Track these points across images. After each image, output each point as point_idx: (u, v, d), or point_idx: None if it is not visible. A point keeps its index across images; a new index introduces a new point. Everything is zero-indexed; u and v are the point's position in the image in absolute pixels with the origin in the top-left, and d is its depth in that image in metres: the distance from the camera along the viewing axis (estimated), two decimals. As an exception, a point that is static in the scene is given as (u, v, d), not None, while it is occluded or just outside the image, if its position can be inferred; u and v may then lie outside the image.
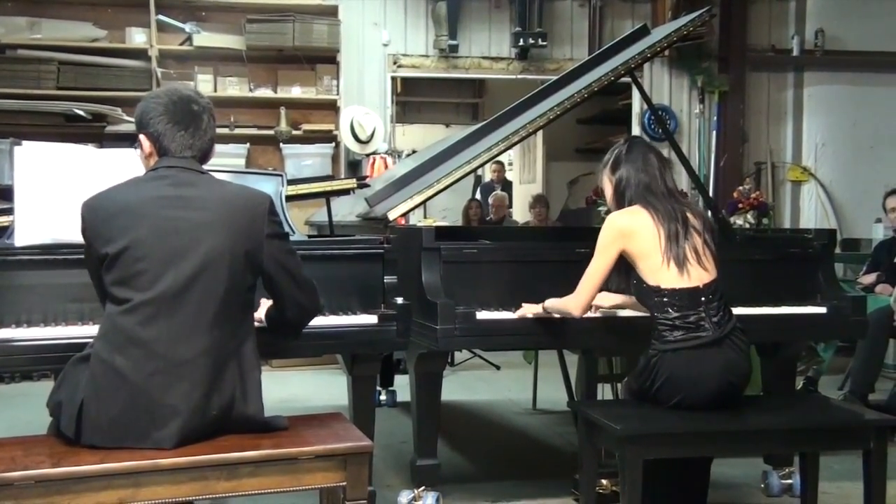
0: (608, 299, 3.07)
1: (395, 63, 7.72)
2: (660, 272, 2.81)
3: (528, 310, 3.08)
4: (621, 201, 2.95)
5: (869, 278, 5.52)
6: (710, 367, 2.75)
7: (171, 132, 2.31)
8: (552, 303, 3.02)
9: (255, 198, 2.35)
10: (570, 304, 2.95)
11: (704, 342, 2.75)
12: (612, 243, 2.87)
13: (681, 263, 2.79)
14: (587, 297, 2.92)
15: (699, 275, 2.81)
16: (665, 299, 2.79)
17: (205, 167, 2.40)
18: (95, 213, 2.25)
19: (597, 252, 2.90)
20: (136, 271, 2.19)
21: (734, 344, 2.79)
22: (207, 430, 2.22)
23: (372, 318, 2.92)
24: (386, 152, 7.33)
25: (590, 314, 3.07)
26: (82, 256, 2.38)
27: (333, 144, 7.25)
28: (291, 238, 3.19)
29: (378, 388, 5.11)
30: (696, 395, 2.75)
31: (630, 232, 2.85)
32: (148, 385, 2.15)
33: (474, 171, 3.81)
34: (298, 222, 3.84)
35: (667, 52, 7.26)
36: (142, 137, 2.35)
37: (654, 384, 2.79)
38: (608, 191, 3.05)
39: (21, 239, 2.66)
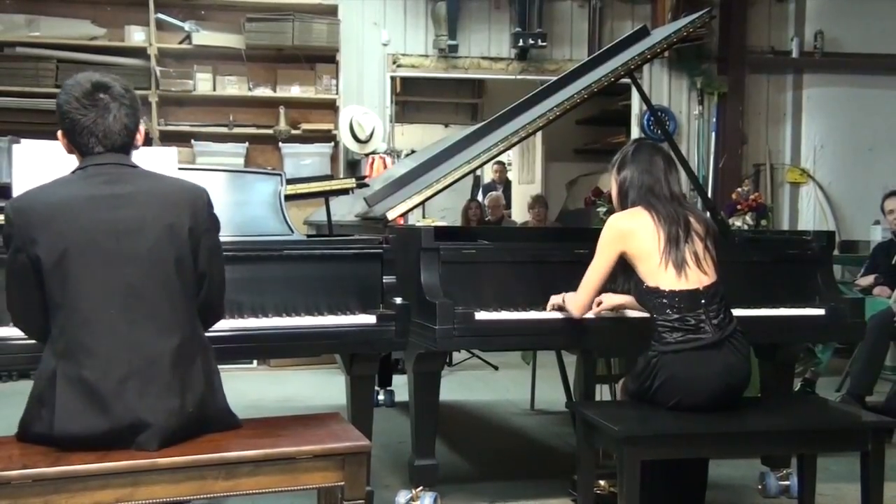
0: (611, 299, 3.07)
1: (394, 63, 7.71)
2: (658, 274, 2.81)
3: (552, 302, 3.11)
4: (624, 202, 2.96)
5: (867, 280, 5.52)
6: (709, 369, 2.75)
7: (77, 126, 2.22)
8: (566, 301, 3.04)
9: (194, 191, 2.30)
10: (570, 304, 2.98)
11: (704, 344, 2.76)
12: (611, 244, 2.88)
13: (679, 266, 2.80)
14: (586, 298, 2.94)
15: (698, 277, 2.81)
16: (664, 301, 2.80)
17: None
18: (25, 216, 2.14)
19: (596, 252, 2.91)
20: (83, 278, 2.13)
21: (734, 347, 2.79)
22: (186, 429, 2.20)
23: (370, 318, 2.93)
24: (385, 152, 7.32)
25: (589, 315, 3.07)
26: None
27: (332, 144, 7.25)
28: (291, 237, 3.22)
29: (376, 387, 5.10)
30: (694, 396, 2.76)
31: (629, 233, 2.86)
32: (122, 393, 2.11)
33: (473, 171, 3.81)
34: (297, 222, 3.84)
35: (666, 54, 7.26)
36: (59, 134, 2.28)
37: (654, 385, 2.79)
38: (613, 191, 3.06)
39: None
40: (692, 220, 2.88)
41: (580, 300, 2.95)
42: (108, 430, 2.11)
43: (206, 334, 2.34)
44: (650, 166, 2.93)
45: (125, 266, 2.16)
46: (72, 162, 2.31)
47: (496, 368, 6.53)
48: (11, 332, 2.53)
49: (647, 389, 2.82)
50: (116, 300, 2.14)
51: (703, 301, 2.79)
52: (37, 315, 2.21)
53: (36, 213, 2.15)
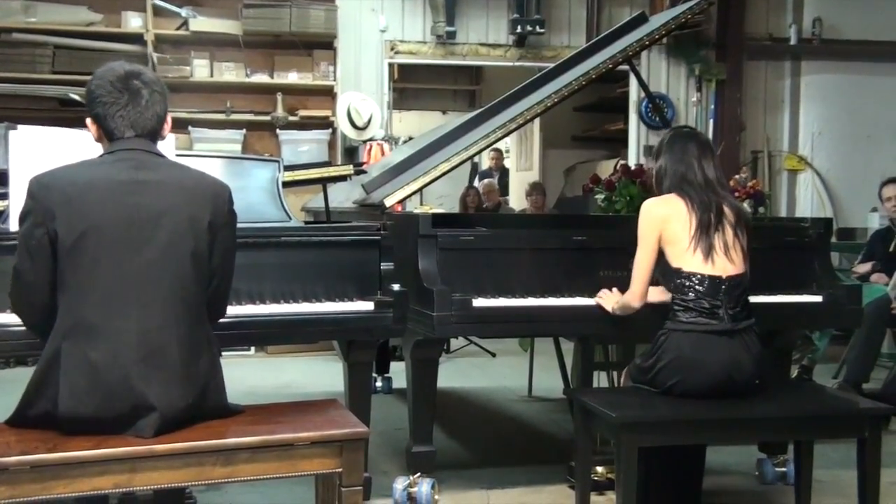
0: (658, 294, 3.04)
1: (392, 49, 7.69)
2: (684, 256, 2.84)
3: (604, 302, 3.11)
4: (661, 189, 3.00)
5: (864, 267, 5.52)
6: (715, 357, 2.76)
7: (111, 111, 2.24)
8: (617, 304, 3.05)
9: (217, 185, 2.33)
10: (629, 298, 2.98)
11: (715, 330, 2.78)
12: (650, 229, 2.90)
13: (707, 253, 2.82)
14: (641, 288, 2.95)
15: (724, 266, 2.83)
16: (685, 281, 2.83)
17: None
18: (50, 192, 2.16)
19: (639, 242, 2.93)
20: (100, 259, 2.14)
21: (745, 342, 2.81)
22: (185, 418, 2.20)
23: (368, 305, 2.93)
24: (383, 139, 7.31)
25: (592, 301, 3.12)
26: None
27: (330, 131, 7.24)
28: (289, 224, 3.22)
29: (374, 374, 5.11)
30: (695, 381, 2.77)
31: (664, 217, 2.89)
32: (127, 376, 2.11)
33: (471, 158, 3.81)
34: (295, 208, 3.83)
35: (664, 40, 7.24)
36: (88, 121, 2.30)
37: (658, 363, 2.82)
38: (653, 178, 3.11)
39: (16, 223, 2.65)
40: (725, 207, 2.90)
41: (636, 291, 2.95)
42: (110, 411, 2.11)
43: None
44: (683, 154, 2.95)
45: (142, 252, 2.17)
46: (69, 149, 2.30)
47: (494, 355, 6.54)
48: (11, 318, 2.53)
49: (651, 367, 2.84)
50: (130, 284, 2.15)
51: (723, 288, 2.81)
52: (42, 295, 2.20)
53: (59, 190, 2.16)
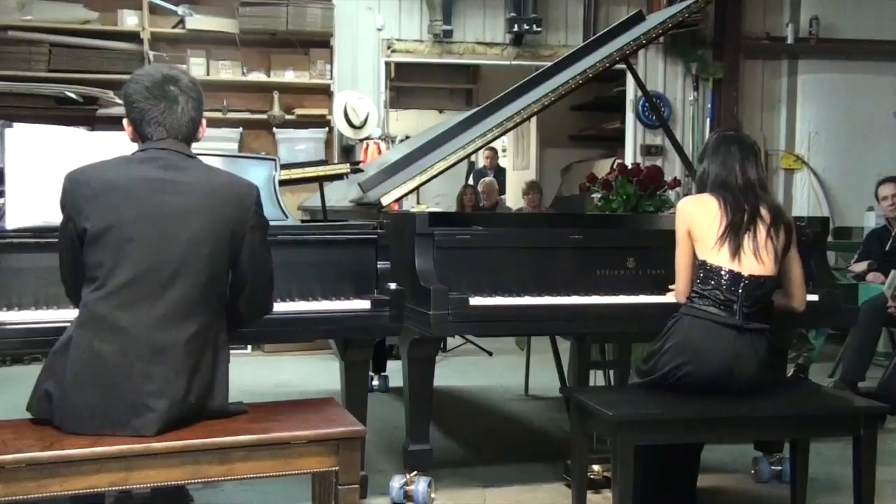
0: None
1: (389, 48, 7.68)
2: (711, 252, 2.88)
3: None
4: (702, 190, 3.04)
5: (860, 266, 5.53)
6: (719, 346, 2.79)
7: (146, 115, 2.28)
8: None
9: (244, 187, 2.35)
10: (676, 296, 3.04)
11: (724, 321, 2.81)
12: (682, 226, 2.96)
13: (734, 252, 2.85)
14: (684, 285, 3.00)
15: (750, 265, 2.85)
16: (707, 273, 2.87)
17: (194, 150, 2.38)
18: (79, 187, 2.21)
19: (677, 241, 2.98)
20: (120, 254, 2.16)
21: (752, 342, 2.83)
22: (185, 418, 2.21)
23: (365, 304, 2.93)
24: (379, 137, 7.30)
25: (589, 300, 3.13)
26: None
27: (327, 129, 7.23)
28: (285, 223, 3.22)
29: (370, 373, 5.10)
30: (694, 368, 2.79)
31: (693, 216, 2.94)
32: (129, 371, 2.13)
33: (468, 156, 3.81)
34: (291, 207, 3.83)
35: (661, 39, 7.25)
36: (124, 122, 2.34)
37: (665, 345, 2.85)
38: (698, 180, 3.15)
39: (12, 222, 2.65)
40: (762, 209, 2.92)
41: (679, 286, 3.01)
42: (110, 404, 2.13)
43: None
44: (725, 158, 2.99)
45: (162, 249, 2.19)
46: (65, 147, 2.31)
47: (490, 354, 6.54)
48: (4, 316, 2.54)
49: (658, 350, 2.87)
50: (145, 281, 2.17)
51: (742, 285, 2.83)
52: (79, 286, 2.26)
53: (89, 187, 2.21)
